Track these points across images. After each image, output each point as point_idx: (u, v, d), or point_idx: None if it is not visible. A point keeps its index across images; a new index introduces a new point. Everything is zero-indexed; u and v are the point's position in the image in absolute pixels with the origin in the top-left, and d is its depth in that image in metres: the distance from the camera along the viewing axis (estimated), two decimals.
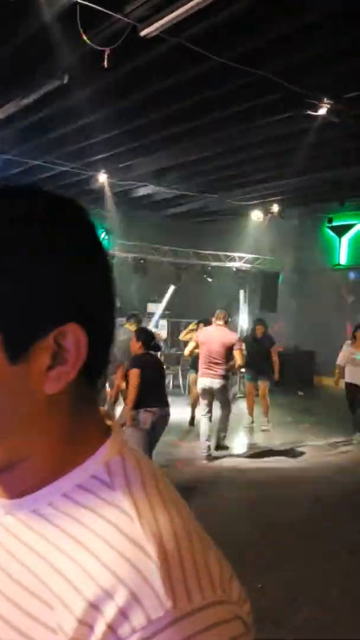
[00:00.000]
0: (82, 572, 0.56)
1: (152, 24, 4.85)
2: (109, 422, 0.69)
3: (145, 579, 0.53)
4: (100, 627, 0.53)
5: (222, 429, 7.89)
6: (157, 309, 13.62)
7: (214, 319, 7.79)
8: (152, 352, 5.80)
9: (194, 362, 8.36)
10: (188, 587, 0.54)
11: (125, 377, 5.71)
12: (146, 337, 5.77)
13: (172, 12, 4.64)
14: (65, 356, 0.59)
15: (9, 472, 0.63)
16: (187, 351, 8.23)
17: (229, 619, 0.54)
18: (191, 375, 9.09)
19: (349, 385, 8.45)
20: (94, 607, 0.54)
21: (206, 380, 7.38)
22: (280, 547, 4.93)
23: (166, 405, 5.65)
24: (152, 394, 5.52)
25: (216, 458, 7.42)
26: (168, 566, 0.54)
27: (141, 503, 0.59)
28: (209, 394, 7.42)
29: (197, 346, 7.69)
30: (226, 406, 7.82)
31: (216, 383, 7.34)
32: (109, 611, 0.53)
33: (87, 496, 0.61)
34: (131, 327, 7.51)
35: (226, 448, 7.89)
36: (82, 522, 0.59)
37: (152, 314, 13.31)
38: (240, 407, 10.08)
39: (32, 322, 0.59)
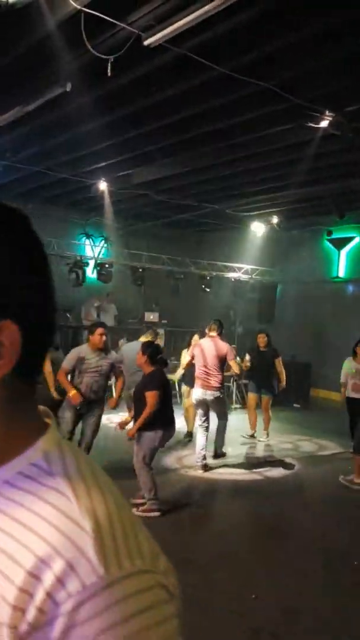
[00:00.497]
0: (22, 547, 0.61)
1: (156, 33, 4.85)
2: (47, 420, 0.73)
3: (81, 549, 0.59)
4: (39, 594, 0.58)
5: (219, 440, 7.88)
6: (154, 317, 13.59)
7: (207, 330, 7.79)
8: (160, 367, 5.72)
9: (189, 376, 8.30)
10: (119, 557, 0.60)
11: (135, 394, 5.68)
12: (152, 351, 5.69)
13: (176, 22, 4.65)
14: (1, 351, 0.64)
15: None
16: (180, 369, 8.28)
17: (155, 585, 0.61)
18: (184, 388, 9.04)
19: (349, 399, 8.41)
20: (33, 576, 0.59)
21: (200, 392, 7.39)
22: (276, 558, 4.89)
23: (173, 422, 5.68)
24: (164, 413, 5.52)
25: (212, 468, 7.39)
26: (101, 539, 0.60)
27: (78, 486, 0.65)
28: (204, 404, 7.42)
29: (192, 360, 7.69)
30: (223, 417, 7.80)
31: (209, 394, 7.35)
32: (47, 579, 0.58)
33: (28, 482, 0.65)
34: (147, 339, 7.44)
35: (224, 455, 7.93)
36: (23, 505, 0.64)
37: (149, 324, 13.26)
38: (240, 417, 10.05)
39: None
